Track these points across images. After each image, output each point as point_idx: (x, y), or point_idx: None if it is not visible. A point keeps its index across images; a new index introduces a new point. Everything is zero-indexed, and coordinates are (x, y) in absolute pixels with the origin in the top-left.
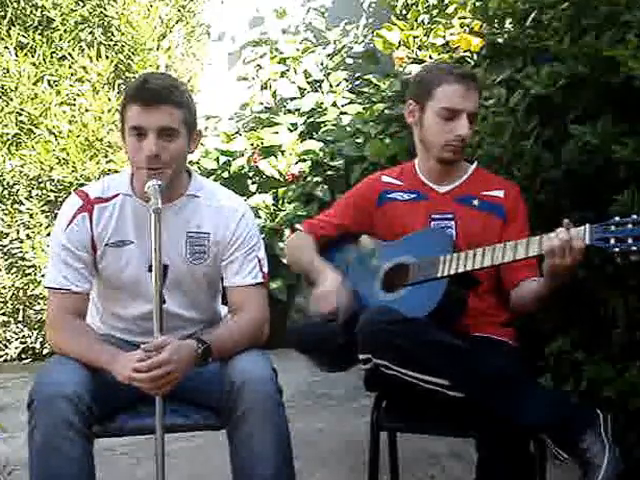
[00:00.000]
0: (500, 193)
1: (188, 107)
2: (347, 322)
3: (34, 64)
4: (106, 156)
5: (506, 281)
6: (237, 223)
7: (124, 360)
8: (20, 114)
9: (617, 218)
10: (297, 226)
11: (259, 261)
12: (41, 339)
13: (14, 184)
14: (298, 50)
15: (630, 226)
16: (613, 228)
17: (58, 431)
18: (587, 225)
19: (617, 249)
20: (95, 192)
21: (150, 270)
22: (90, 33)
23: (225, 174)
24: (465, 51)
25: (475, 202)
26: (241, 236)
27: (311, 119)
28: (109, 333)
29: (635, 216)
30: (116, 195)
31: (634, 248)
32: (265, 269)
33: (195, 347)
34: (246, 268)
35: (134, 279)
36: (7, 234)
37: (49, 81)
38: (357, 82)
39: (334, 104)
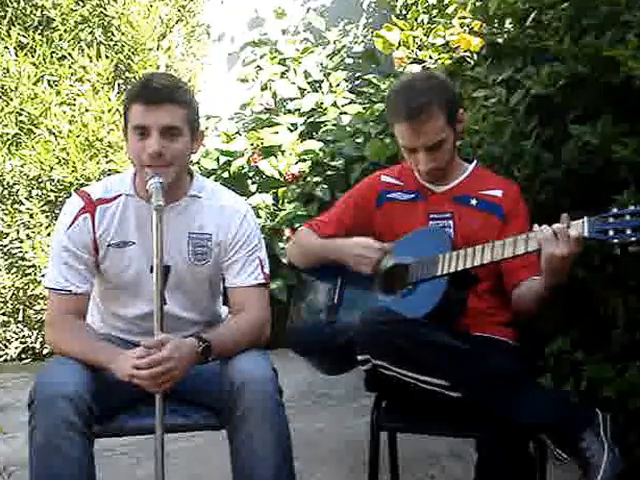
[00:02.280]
0: (498, 192)
1: (191, 106)
2: None
3: (34, 64)
4: (106, 156)
5: (507, 282)
6: (239, 224)
7: (124, 358)
8: (20, 114)
9: (615, 210)
10: (300, 228)
11: (260, 262)
12: (41, 339)
13: (14, 184)
14: (298, 50)
15: (628, 217)
16: (611, 220)
17: (58, 431)
18: (585, 217)
19: (616, 240)
20: (97, 193)
21: (152, 271)
22: (90, 33)
23: (225, 174)
24: (465, 51)
25: (473, 201)
26: (243, 237)
27: (311, 119)
28: (109, 333)
29: (633, 207)
30: (118, 195)
31: (633, 239)
32: (266, 270)
33: (196, 345)
34: (248, 269)
35: (136, 280)
36: (7, 234)
37: (49, 81)
38: (357, 82)
39: (334, 104)
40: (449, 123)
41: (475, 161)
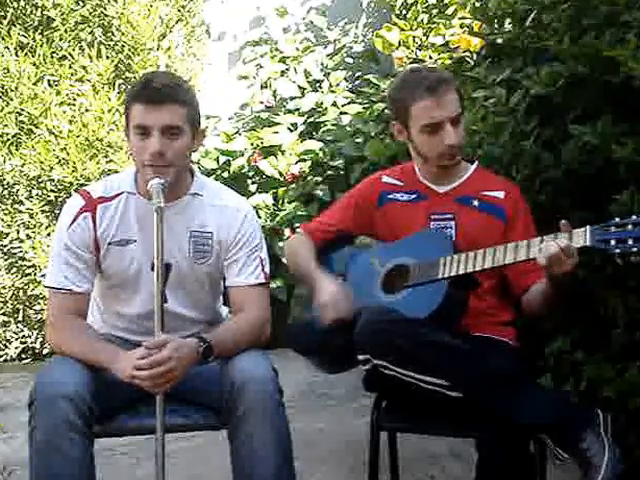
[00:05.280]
0: (500, 194)
1: (192, 105)
2: (347, 327)
3: (34, 64)
4: (106, 156)
5: (515, 287)
6: (240, 223)
7: (125, 358)
8: (20, 114)
9: (617, 219)
10: (297, 230)
11: (261, 261)
12: (41, 339)
13: (14, 184)
14: (298, 49)
15: (630, 227)
16: (613, 229)
17: (59, 431)
18: (587, 227)
19: (617, 250)
20: (98, 192)
21: (153, 269)
22: (90, 33)
23: (225, 174)
24: (465, 51)
25: (475, 202)
26: (244, 236)
27: (311, 119)
28: (109, 332)
29: (635, 217)
30: (119, 194)
31: (634, 249)
32: (267, 269)
33: (196, 345)
34: (248, 268)
35: (137, 277)
36: (7, 234)
37: (49, 81)
38: (357, 82)
39: (334, 104)
40: (460, 100)
41: (477, 162)
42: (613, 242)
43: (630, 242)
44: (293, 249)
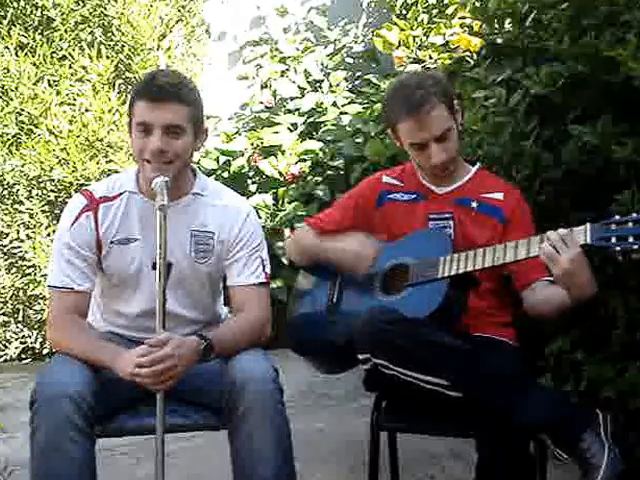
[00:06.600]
0: (499, 195)
1: (195, 104)
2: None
3: (34, 64)
4: (106, 156)
5: (517, 282)
6: (242, 223)
7: (126, 357)
8: (20, 114)
9: (617, 217)
10: (297, 226)
11: (262, 261)
12: (41, 339)
13: (14, 184)
14: (298, 50)
15: (630, 224)
16: (614, 227)
17: (60, 431)
18: (588, 224)
19: (618, 248)
20: (100, 191)
21: (154, 267)
22: (90, 33)
23: (225, 174)
24: (465, 51)
25: (474, 204)
26: (245, 236)
27: (311, 119)
28: (109, 330)
29: (635, 215)
30: (121, 193)
31: (635, 247)
32: (268, 269)
33: (197, 343)
34: (249, 268)
35: (137, 276)
36: (7, 234)
37: (49, 81)
38: (357, 82)
39: (334, 104)
40: (450, 112)
41: (478, 164)
42: (614, 239)
43: (631, 239)
44: (299, 237)
